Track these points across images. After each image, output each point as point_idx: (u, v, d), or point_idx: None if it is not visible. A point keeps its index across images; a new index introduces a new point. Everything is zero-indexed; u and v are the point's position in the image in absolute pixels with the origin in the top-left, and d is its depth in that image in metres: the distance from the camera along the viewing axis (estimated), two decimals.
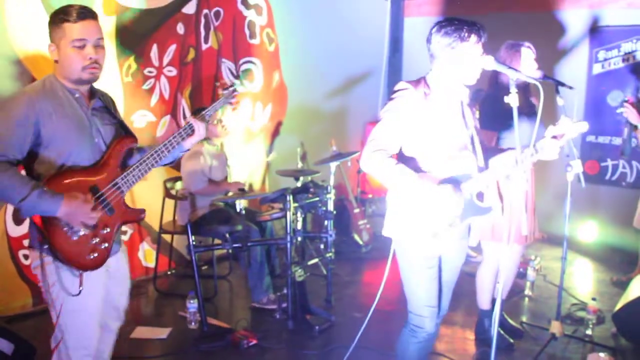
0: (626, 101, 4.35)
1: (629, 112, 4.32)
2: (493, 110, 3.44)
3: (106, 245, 2.36)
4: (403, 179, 2.46)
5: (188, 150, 2.64)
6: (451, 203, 2.47)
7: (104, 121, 2.43)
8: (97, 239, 2.32)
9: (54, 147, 2.25)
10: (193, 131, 2.54)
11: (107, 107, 2.48)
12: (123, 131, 2.53)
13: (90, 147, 2.34)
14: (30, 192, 2.10)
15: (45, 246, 2.23)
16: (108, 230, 2.36)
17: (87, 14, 2.26)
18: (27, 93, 2.24)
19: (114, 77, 4.47)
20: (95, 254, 2.31)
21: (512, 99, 2.40)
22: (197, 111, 2.96)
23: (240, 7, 5.51)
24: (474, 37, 2.51)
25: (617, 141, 6.02)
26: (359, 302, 4.65)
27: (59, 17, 2.24)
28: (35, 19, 3.88)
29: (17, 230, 3.98)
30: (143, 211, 2.54)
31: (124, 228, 4.53)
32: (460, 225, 2.58)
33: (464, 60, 2.52)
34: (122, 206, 2.42)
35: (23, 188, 2.10)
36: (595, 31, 6.34)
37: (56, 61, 2.29)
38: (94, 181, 2.31)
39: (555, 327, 3.60)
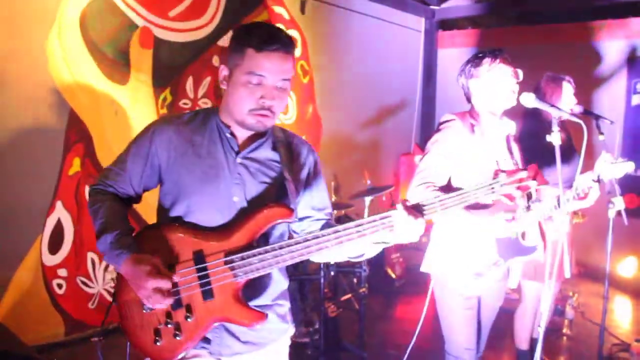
0: None
1: None
2: (531, 147, 3.36)
3: (181, 337, 1.72)
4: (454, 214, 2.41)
5: (387, 244, 1.77)
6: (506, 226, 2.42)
7: (258, 177, 1.82)
8: (170, 324, 1.71)
9: (169, 193, 1.82)
10: (392, 228, 1.70)
11: (279, 161, 1.87)
12: (285, 196, 1.84)
13: (219, 205, 1.77)
14: (102, 233, 1.73)
15: (114, 303, 1.81)
16: (192, 319, 1.72)
17: (279, 43, 1.73)
18: (161, 118, 2.03)
19: (150, 109, 4.52)
20: (161, 342, 1.73)
21: (555, 138, 2.34)
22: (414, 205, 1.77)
23: None
24: (486, 60, 2.56)
25: None
26: (392, 339, 4.55)
27: (242, 38, 1.74)
28: (74, 50, 3.96)
29: (52, 260, 4.02)
30: (263, 317, 1.74)
31: None
32: (504, 265, 2.52)
33: (487, 85, 2.54)
34: (230, 297, 1.72)
35: (100, 226, 1.75)
36: (633, 61, 6.24)
37: (223, 89, 1.82)
38: (201, 245, 1.73)
39: None
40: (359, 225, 1.69)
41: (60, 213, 3.98)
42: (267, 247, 1.70)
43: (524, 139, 3.53)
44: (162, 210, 1.86)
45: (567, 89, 3.43)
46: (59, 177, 3.96)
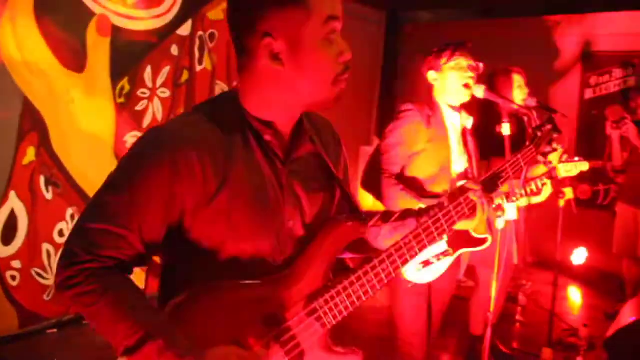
0: (625, 118, 4.40)
1: (630, 129, 4.36)
2: (486, 137, 3.45)
3: None
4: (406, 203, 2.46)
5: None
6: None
7: (309, 184, 1.37)
8: None
9: (205, 241, 1.26)
10: (473, 210, 1.51)
11: (319, 153, 1.41)
12: (345, 203, 1.46)
13: (275, 238, 1.31)
14: (141, 344, 1.13)
15: None
16: None
17: None
18: (166, 134, 1.24)
19: (107, 98, 4.46)
20: None
21: (504, 129, 2.41)
22: (486, 179, 1.70)
23: None
24: (446, 53, 2.62)
25: (609, 166, 6.05)
26: (349, 327, 4.61)
27: None
28: (29, 37, 3.88)
29: (5, 251, 3.94)
30: (359, 354, 1.41)
31: None
32: (453, 255, 2.58)
33: (445, 78, 2.60)
34: (319, 350, 1.34)
35: (130, 332, 1.14)
36: (587, 56, 6.41)
37: (259, 74, 1.27)
38: (273, 302, 1.28)
39: (547, 354, 3.59)
40: (437, 221, 1.45)
41: (14, 203, 3.90)
42: (351, 278, 1.33)
43: (478, 130, 3.62)
44: (185, 269, 1.30)
45: (518, 80, 3.52)
46: (12, 166, 3.88)
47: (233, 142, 1.26)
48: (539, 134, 1.87)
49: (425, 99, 2.72)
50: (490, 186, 1.58)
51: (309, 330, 1.30)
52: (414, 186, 2.58)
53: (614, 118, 4.54)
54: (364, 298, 1.34)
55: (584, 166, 2.90)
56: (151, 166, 1.19)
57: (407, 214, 1.55)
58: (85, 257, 1.17)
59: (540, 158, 1.86)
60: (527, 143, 1.85)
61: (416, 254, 1.40)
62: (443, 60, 2.61)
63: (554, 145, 1.86)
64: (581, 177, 6.15)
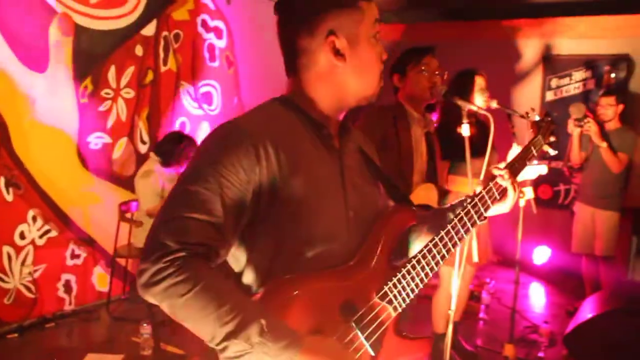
0: (587, 117, 4.51)
1: (592, 127, 4.47)
2: (448, 138, 3.50)
3: None
4: None
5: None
6: None
7: (361, 175, 1.47)
8: None
9: (277, 231, 1.30)
10: (504, 194, 1.58)
11: (362, 149, 1.53)
12: (392, 194, 1.54)
13: (342, 227, 1.36)
14: (243, 327, 1.14)
15: None
16: None
17: None
18: (242, 123, 1.31)
19: (70, 98, 4.40)
20: None
21: (464, 130, 2.45)
22: (510, 164, 1.70)
23: (200, 29, 5.51)
24: (415, 56, 2.69)
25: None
26: None
27: None
28: None
29: None
30: (429, 340, 1.50)
31: (76, 251, 4.48)
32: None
33: (411, 78, 2.65)
34: (393, 336, 1.39)
35: (230, 316, 1.15)
36: (548, 59, 6.55)
37: (318, 72, 1.38)
38: (346, 291, 1.32)
39: (509, 351, 3.66)
40: (475, 206, 1.52)
41: None
42: (412, 261, 1.40)
43: (440, 132, 3.68)
44: (258, 259, 1.32)
45: (479, 82, 3.57)
46: None
47: (299, 135, 1.35)
48: (543, 124, 1.94)
49: (390, 100, 2.76)
50: (514, 170, 1.63)
51: (382, 314, 1.35)
52: None
53: (576, 116, 4.63)
54: (425, 280, 1.41)
55: (542, 169, 2.97)
56: (234, 154, 1.23)
57: (442, 209, 1.61)
58: (175, 247, 1.15)
59: (545, 147, 1.92)
60: (535, 134, 1.91)
61: (462, 237, 1.47)
62: (410, 64, 2.65)
63: (553, 138, 1.96)
64: (542, 178, 6.30)
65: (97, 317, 4.68)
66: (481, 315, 4.83)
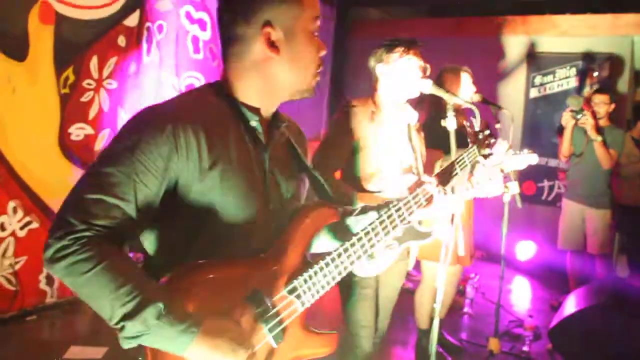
0: (584, 110, 4.53)
1: (588, 120, 4.48)
2: (437, 131, 3.48)
3: None
4: None
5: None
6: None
7: (285, 171, 1.47)
8: None
9: (194, 217, 1.31)
10: (430, 200, 1.62)
11: (293, 144, 1.53)
12: (317, 190, 1.57)
13: (260, 219, 1.37)
14: (140, 308, 1.15)
15: None
16: None
17: None
18: (165, 109, 1.32)
19: (51, 88, 4.32)
20: None
21: (450, 123, 2.44)
22: (440, 174, 1.78)
23: (184, 21, 5.44)
24: (398, 49, 2.60)
25: (553, 162, 6.23)
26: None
27: None
28: None
29: None
30: (336, 336, 1.50)
31: None
32: (397, 249, 2.60)
33: (395, 72, 2.59)
34: (299, 329, 1.40)
35: (129, 297, 1.15)
36: (532, 57, 6.58)
37: (252, 61, 1.37)
38: (255, 281, 1.33)
39: (493, 344, 3.66)
40: (398, 209, 1.55)
41: None
42: (327, 259, 1.40)
43: (429, 125, 3.67)
44: (173, 244, 1.34)
45: (465, 78, 3.58)
46: None
47: (225, 124, 1.34)
48: (480, 137, 1.96)
49: (370, 94, 2.72)
50: (444, 180, 1.68)
51: (289, 307, 1.36)
52: (353, 183, 2.58)
53: (573, 108, 4.64)
54: (338, 278, 1.43)
55: (533, 159, 2.96)
56: (151, 139, 1.23)
57: (367, 208, 1.61)
58: (81, 226, 1.17)
59: (480, 159, 1.95)
60: (470, 145, 1.93)
61: (382, 239, 1.50)
62: (394, 56, 2.61)
63: (490, 150, 1.99)
64: (526, 174, 6.33)
65: (79, 310, 4.61)
66: (465, 309, 4.83)
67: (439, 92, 2.53)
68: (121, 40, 4.81)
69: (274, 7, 1.33)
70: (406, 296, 3.13)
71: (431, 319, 3.85)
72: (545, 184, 6.47)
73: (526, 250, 6.37)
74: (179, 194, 1.28)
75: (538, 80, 6.59)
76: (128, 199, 1.21)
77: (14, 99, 4.02)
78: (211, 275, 1.27)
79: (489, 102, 3.53)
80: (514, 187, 3.35)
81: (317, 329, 1.45)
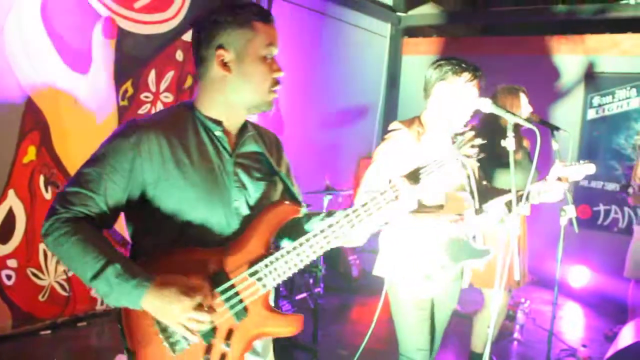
0: None
1: None
2: (486, 154, 3.40)
3: None
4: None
5: (385, 224, 1.80)
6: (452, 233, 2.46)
7: (253, 174, 1.69)
8: (212, 358, 1.54)
9: (164, 210, 1.57)
10: (397, 197, 1.69)
11: (263, 152, 1.76)
12: (285, 192, 1.79)
13: (223, 214, 1.61)
14: (103, 269, 1.44)
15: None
16: (229, 347, 1.56)
17: (271, 15, 1.66)
18: (135, 122, 1.60)
19: (110, 100, 4.45)
20: None
21: (509, 143, 2.38)
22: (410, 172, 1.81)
23: None
24: (466, 74, 2.52)
25: (610, 186, 6.04)
26: (345, 339, 4.57)
27: (241, 13, 1.59)
28: (34, 38, 3.87)
29: (1, 250, 3.91)
30: (302, 318, 1.65)
31: None
32: (453, 268, 2.55)
33: (455, 95, 2.52)
34: (262, 309, 1.60)
35: (95, 261, 1.45)
36: (590, 77, 6.42)
37: (211, 79, 1.62)
38: (219, 264, 1.56)
39: None
40: (365, 204, 1.65)
41: (12, 202, 3.88)
42: (288, 247, 1.59)
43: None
44: (148, 233, 1.60)
45: (523, 98, 3.51)
46: (12, 165, 3.87)
47: (188, 134, 1.61)
48: (460, 137, 1.93)
49: (419, 112, 2.67)
50: (413, 177, 1.72)
51: (250, 288, 1.57)
52: None
53: None
54: (300, 265, 1.61)
55: (590, 169, 2.86)
56: (118, 145, 1.54)
57: (334, 211, 1.75)
58: (62, 210, 1.50)
59: (460, 159, 1.92)
60: (452, 144, 1.92)
61: (344, 233, 1.62)
62: (461, 80, 2.53)
63: (474, 152, 1.94)
64: (582, 198, 6.15)
65: None
66: (516, 335, 4.70)
67: (499, 112, 2.47)
68: (179, 55, 4.92)
69: (227, 32, 1.57)
70: (453, 318, 3.06)
71: (484, 343, 3.78)
72: (602, 208, 6.28)
73: (580, 276, 6.17)
74: (148, 191, 1.56)
75: (596, 101, 6.41)
76: (99, 192, 1.52)
77: (75, 110, 4.16)
78: (176, 259, 1.55)
79: (547, 123, 3.44)
80: (571, 211, 3.24)
81: (281, 311, 1.65)
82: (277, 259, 1.58)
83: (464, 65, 2.53)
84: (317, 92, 6.43)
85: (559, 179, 2.71)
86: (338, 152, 7.04)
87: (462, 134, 1.91)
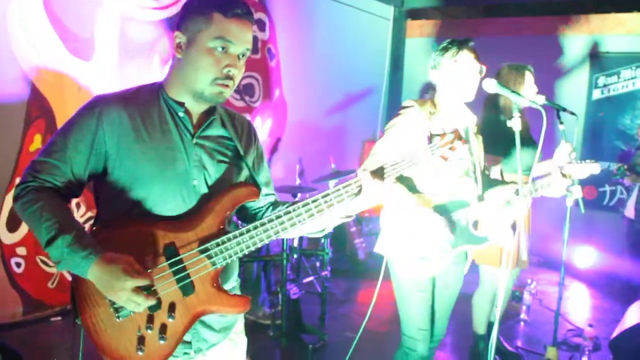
0: None
1: None
2: (494, 134, 3.39)
3: (164, 342, 1.59)
4: (399, 199, 2.47)
5: (350, 217, 1.79)
6: (442, 233, 2.48)
7: (215, 157, 1.72)
8: (151, 330, 1.58)
9: (122, 182, 1.63)
10: (360, 191, 1.70)
11: (231, 138, 1.78)
12: (250, 178, 1.83)
13: (180, 191, 1.65)
14: (55, 237, 1.51)
15: (77, 321, 1.61)
16: (174, 318, 1.60)
17: (245, 9, 1.64)
18: (100, 96, 1.67)
19: (115, 87, 4.44)
20: (145, 350, 1.57)
21: (515, 124, 2.38)
22: (377, 169, 1.77)
23: None
24: (452, 50, 2.55)
25: (616, 167, 6.03)
26: (353, 322, 4.60)
27: (206, 1, 1.61)
28: (37, 25, 3.86)
29: (10, 238, 3.94)
30: (248, 301, 1.69)
31: None
32: (452, 252, 2.56)
33: (459, 72, 2.53)
34: (210, 287, 1.63)
35: (49, 230, 1.52)
36: (595, 56, 6.38)
37: (175, 59, 1.66)
38: (171, 238, 1.61)
39: (551, 353, 3.55)
40: (326, 196, 1.66)
41: None
42: (242, 229, 1.63)
43: (486, 127, 3.58)
44: (108, 203, 1.67)
45: (529, 77, 3.48)
46: (18, 153, 3.88)
47: (151, 111, 1.67)
48: (437, 138, 1.87)
49: (429, 95, 2.69)
50: (379, 174, 1.71)
51: (198, 265, 1.61)
52: (408, 183, 2.55)
53: None
54: (252, 248, 1.64)
55: (595, 168, 2.86)
56: (83, 116, 1.62)
57: (298, 201, 1.73)
58: (29, 178, 1.60)
59: (437, 159, 1.86)
60: (427, 144, 1.87)
61: (301, 222, 1.65)
62: (447, 59, 2.56)
63: (453, 153, 1.88)
64: (587, 179, 6.14)
65: None
66: (522, 315, 4.73)
67: (504, 92, 2.46)
68: None
69: (190, 17, 1.62)
70: (463, 301, 3.08)
71: (488, 324, 3.80)
72: (607, 188, 6.27)
73: (586, 257, 6.17)
74: (109, 162, 1.62)
75: (601, 81, 6.38)
76: (65, 161, 1.60)
77: (80, 97, 4.16)
78: (129, 228, 1.61)
79: (553, 104, 3.41)
80: (577, 191, 3.24)
81: (228, 291, 1.67)
82: (229, 239, 1.63)
83: (446, 45, 2.59)
84: (320, 76, 6.42)
85: (564, 175, 2.72)
86: (343, 135, 7.04)
87: (442, 135, 1.87)
